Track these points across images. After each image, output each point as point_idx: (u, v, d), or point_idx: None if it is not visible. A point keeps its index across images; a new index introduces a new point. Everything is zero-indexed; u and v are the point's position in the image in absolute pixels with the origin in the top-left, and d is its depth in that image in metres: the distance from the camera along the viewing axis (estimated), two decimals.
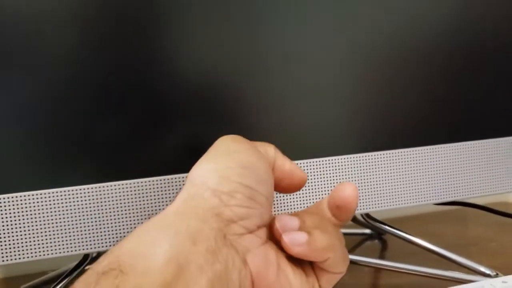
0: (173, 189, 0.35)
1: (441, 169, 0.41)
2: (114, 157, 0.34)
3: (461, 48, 0.41)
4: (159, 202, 0.35)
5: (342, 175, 0.39)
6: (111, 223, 0.34)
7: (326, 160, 0.38)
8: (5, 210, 0.32)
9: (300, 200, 0.38)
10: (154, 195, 0.35)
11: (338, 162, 0.39)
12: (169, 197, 0.35)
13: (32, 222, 0.33)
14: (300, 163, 0.38)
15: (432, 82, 0.41)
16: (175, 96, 0.35)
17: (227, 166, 0.25)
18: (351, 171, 0.39)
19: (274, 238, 0.27)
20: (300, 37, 0.37)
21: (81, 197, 0.34)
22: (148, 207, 0.35)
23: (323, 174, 0.38)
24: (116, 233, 0.34)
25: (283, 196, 0.37)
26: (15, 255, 0.32)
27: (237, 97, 0.37)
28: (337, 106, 0.39)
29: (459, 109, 0.42)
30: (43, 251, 0.33)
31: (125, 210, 0.34)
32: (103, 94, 0.34)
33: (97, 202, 0.34)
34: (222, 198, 0.24)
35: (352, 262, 0.43)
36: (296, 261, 0.27)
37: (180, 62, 0.35)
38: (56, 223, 0.33)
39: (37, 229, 0.33)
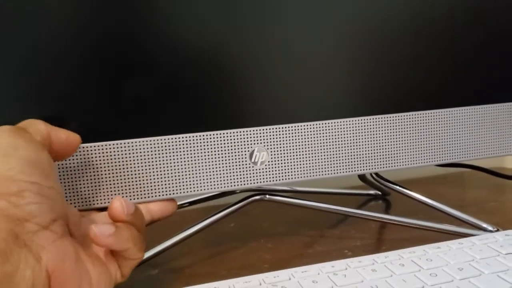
0: (189, 147, 0.37)
1: (443, 133, 0.43)
2: (139, 115, 0.36)
3: (461, 14, 0.43)
4: (180, 158, 0.37)
5: (353, 136, 0.40)
6: (136, 177, 0.36)
7: (337, 122, 0.40)
8: None
9: (313, 162, 0.40)
10: (174, 152, 0.37)
11: (349, 124, 0.40)
12: (185, 154, 0.37)
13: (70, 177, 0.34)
14: (312, 124, 0.39)
15: (434, 48, 0.42)
16: (171, 59, 0.36)
17: (10, 167, 0.25)
18: (360, 133, 0.41)
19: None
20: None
21: (109, 152, 0.35)
22: (170, 162, 0.37)
23: (336, 134, 0.40)
24: (142, 187, 0.36)
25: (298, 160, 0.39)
26: None
27: (238, 62, 0.38)
28: (349, 71, 0.40)
29: (460, 76, 0.43)
30: (72, 203, 0.35)
31: (149, 165, 0.36)
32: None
33: (126, 157, 0.36)
34: (11, 200, 0.24)
35: (360, 217, 0.45)
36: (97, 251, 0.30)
37: (174, 26, 0.37)
38: (85, 177, 0.35)
39: (69, 184, 0.35)
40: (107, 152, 0.35)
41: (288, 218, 0.51)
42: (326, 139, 0.40)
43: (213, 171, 0.38)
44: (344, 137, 0.40)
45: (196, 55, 0.36)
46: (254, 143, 0.38)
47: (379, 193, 0.56)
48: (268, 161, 0.39)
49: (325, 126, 0.40)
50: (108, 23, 0.34)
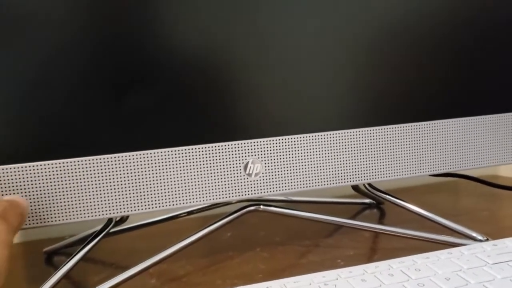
0: (184, 160, 0.38)
1: (436, 143, 0.44)
2: (136, 128, 0.37)
3: (460, 26, 0.44)
4: (176, 170, 0.38)
5: (346, 148, 0.41)
6: (134, 189, 0.37)
7: (331, 134, 0.41)
8: (38, 177, 0.35)
9: (307, 174, 0.41)
10: (170, 164, 0.38)
11: (342, 136, 0.41)
12: (181, 167, 0.38)
13: (62, 188, 0.36)
14: (306, 137, 0.41)
15: (427, 60, 0.43)
16: (165, 72, 0.37)
17: None
18: (354, 144, 0.42)
19: None
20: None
21: (107, 165, 0.36)
22: (166, 175, 0.38)
23: (329, 146, 0.41)
24: (139, 198, 0.37)
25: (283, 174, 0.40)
26: (48, 218, 0.35)
27: (232, 74, 0.39)
28: (341, 83, 0.41)
29: (454, 88, 0.44)
30: (75, 214, 0.36)
31: (146, 177, 0.37)
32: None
33: (123, 170, 0.37)
34: None
35: (353, 227, 0.46)
36: None
37: (173, 29, 0.38)
38: (84, 189, 0.36)
39: (68, 195, 0.36)
40: (109, 164, 0.36)
41: (283, 227, 0.52)
42: (320, 151, 0.41)
43: (208, 183, 0.39)
44: (338, 149, 0.41)
45: (190, 68, 0.38)
46: (249, 155, 0.39)
47: (374, 202, 0.57)
48: (263, 173, 0.40)
49: (319, 138, 0.41)
50: (75, 52, 0.36)
